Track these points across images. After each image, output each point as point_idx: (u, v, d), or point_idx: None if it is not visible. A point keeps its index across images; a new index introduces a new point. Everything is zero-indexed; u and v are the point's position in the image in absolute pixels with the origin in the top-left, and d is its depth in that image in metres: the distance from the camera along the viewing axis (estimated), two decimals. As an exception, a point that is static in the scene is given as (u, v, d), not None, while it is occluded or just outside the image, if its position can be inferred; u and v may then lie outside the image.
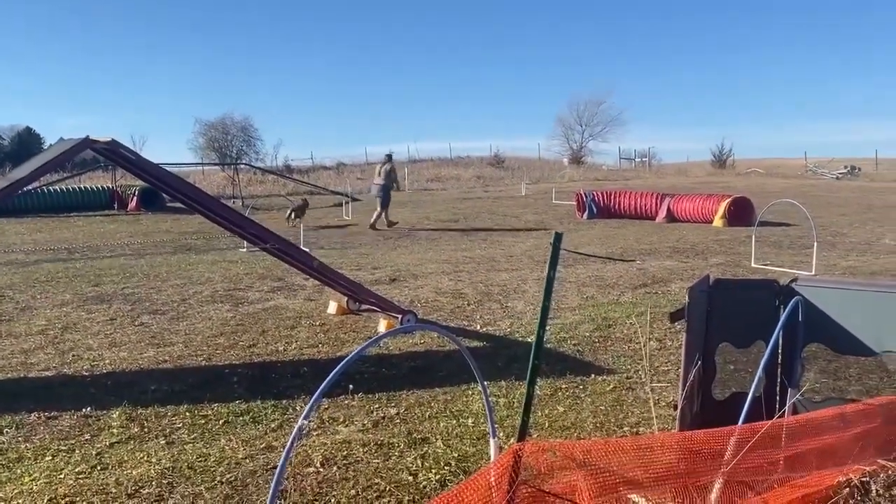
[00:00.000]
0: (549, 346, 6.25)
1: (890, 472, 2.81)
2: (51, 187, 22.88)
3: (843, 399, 4.16)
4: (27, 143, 45.43)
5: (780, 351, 3.73)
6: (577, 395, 5.04)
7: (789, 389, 3.68)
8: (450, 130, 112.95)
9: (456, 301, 8.26)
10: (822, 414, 2.98)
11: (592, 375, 5.44)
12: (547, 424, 4.50)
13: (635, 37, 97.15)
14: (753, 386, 2.94)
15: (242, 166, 34.87)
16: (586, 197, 19.00)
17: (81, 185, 24.82)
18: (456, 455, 4.01)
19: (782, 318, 3.35)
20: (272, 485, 2.23)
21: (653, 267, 10.48)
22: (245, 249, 12.38)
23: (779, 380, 3.77)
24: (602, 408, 4.78)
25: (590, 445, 2.24)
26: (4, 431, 4.40)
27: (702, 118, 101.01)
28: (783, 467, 2.68)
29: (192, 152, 44.37)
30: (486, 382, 5.05)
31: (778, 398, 3.74)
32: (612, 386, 5.21)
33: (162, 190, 6.67)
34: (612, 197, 18.97)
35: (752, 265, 10.43)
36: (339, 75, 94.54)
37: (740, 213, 16.12)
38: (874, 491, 2.78)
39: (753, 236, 11.12)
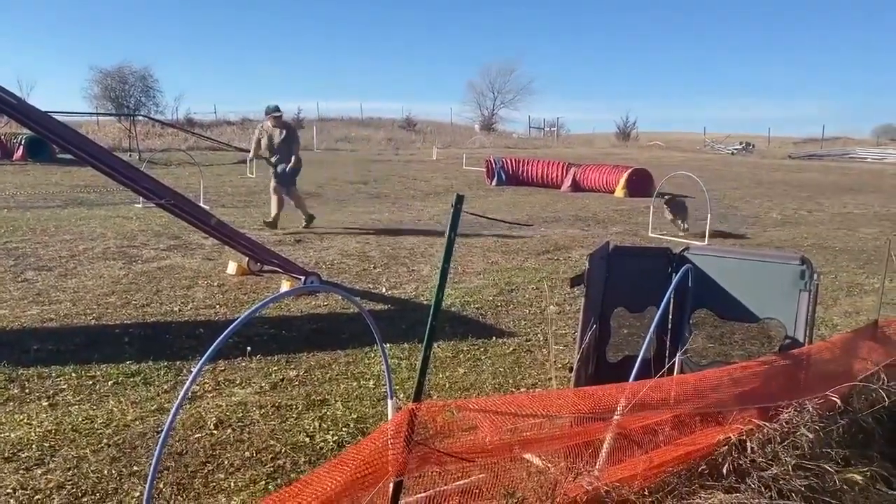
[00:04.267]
0: (452, 309, 6.30)
1: (765, 430, 2.98)
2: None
3: (727, 363, 4.39)
4: None
5: (670, 316, 3.89)
6: (478, 357, 5.11)
7: (678, 352, 3.85)
8: (361, 90, 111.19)
9: (362, 264, 8.19)
10: (706, 374, 3.13)
11: (493, 338, 5.52)
12: (447, 386, 4.54)
13: (548, 7, 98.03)
14: (643, 348, 3.05)
15: (140, 118, 33.18)
16: (496, 164, 19.16)
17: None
18: (355, 416, 3.99)
19: (673, 283, 3.48)
20: (157, 446, 2.15)
21: (556, 234, 10.71)
22: (140, 205, 11.83)
23: (668, 344, 3.93)
24: (501, 369, 4.86)
25: (485, 403, 2.27)
26: None
27: (608, 91, 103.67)
28: (670, 426, 2.81)
29: (86, 101, 41.71)
30: (388, 345, 5.06)
31: (667, 361, 3.91)
32: (511, 348, 5.30)
33: (47, 139, 6.22)
34: (521, 165, 19.21)
35: (650, 234, 10.83)
36: (246, 25, 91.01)
37: (641, 184, 16.67)
38: (750, 448, 2.95)
39: (651, 207, 11.52)
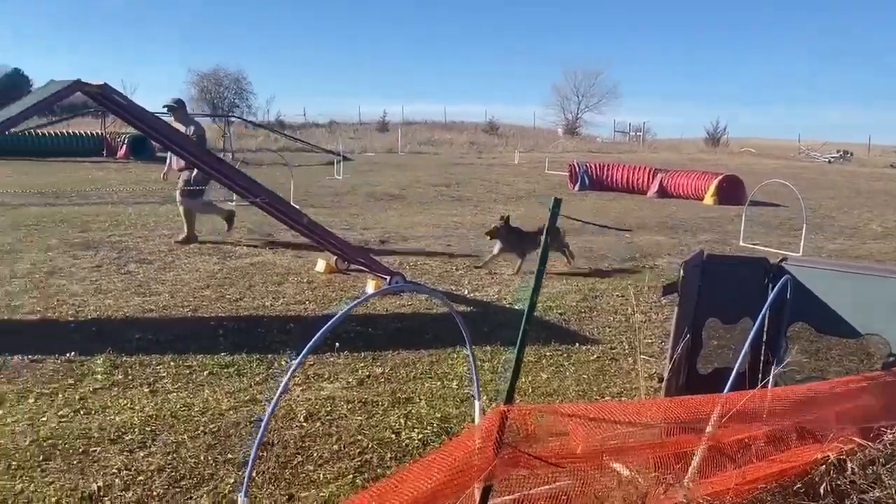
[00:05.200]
0: (535, 313, 6.27)
1: (867, 450, 2.85)
2: (39, 130, 22.54)
3: (824, 379, 4.21)
4: (17, 84, 44.57)
5: (765, 328, 3.76)
6: (561, 363, 5.07)
7: (773, 366, 3.72)
8: (445, 93, 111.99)
9: (444, 265, 8.26)
10: (804, 388, 3.02)
11: (577, 344, 5.47)
12: (530, 390, 4.53)
13: (635, 9, 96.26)
14: (739, 360, 2.96)
15: (234, 119, 34.45)
16: (579, 168, 18.94)
17: (70, 131, 24.46)
18: (439, 416, 4.03)
19: (772, 295, 3.37)
20: (257, 436, 2.24)
21: (641, 241, 10.50)
22: (234, 203, 12.27)
23: (762, 357, 3.81)
24: (585, 376, 4.81)
25: (575, 409, 2.26)
26: (-13, 372, 4.38)
27: (697, 95, 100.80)
28: (764, 441, 2.72)
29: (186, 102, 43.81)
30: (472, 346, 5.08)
31: (761, 375, 3.78)
32: (595, 356, 5.24)
33: (153, 138, 6.55)
34: (605, 169, 18.92)
35: (741, 244, 10.48)
36: (335, 30, 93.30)
37: (731, 191, 16.14)
38: (850, 469, 2.83)
39: (743, 215, 11.15)
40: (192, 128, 8.71)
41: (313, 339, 2.27)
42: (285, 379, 2.27)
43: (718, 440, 2.59)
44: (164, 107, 8.75)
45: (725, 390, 2.83)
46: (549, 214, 2.04)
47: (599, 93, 58.06)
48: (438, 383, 4.56)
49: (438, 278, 7.60)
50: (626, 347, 5.43)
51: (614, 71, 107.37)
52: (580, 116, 57.99)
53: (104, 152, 22.20)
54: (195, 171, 8.34)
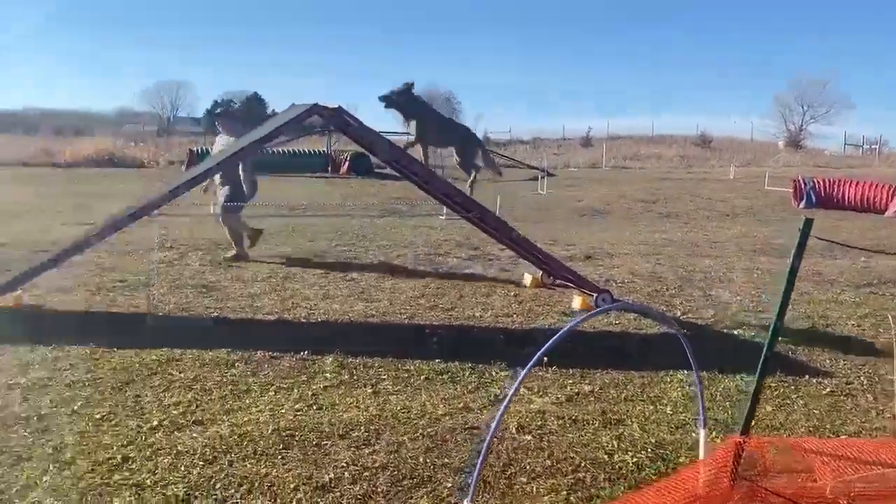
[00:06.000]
0: (755, 339, 5.88)
1: None
2: (272, 149, 24.99)
3: None
4: (255, 107, 50.06)
5: None
6: (788, 395, 4.70)
7: None
8: (652, 106, 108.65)
9: (653, 284, 7.99)
10: None
11: (805, 376, 5.04)
12: (754, 423, 4.22)
13: (869, 8, 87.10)
14: None
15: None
16: (805, 184, 17.46)
17: (298, 148, 26.86)
18: (653, 440, 3.90)
19: None
20: (485, 442, 2.31)
21: (879, 265, 9.44)
22: (444, 217, 12.79)
23: None
24: (816, 412, 4.41)
25: (821, 445, 2.08)
26: (236, 365, 4.93)
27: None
28: None
29: (397, 121, 46.57)
30: (685, 372, 4.87)
31: None
32: (828, 389, 4.79)
33: (376, 155, 7.00)
34: (836, 185, 17.26)
35: None
36: (536, 48, 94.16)
37: None
38: None
39: None
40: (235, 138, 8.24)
41: (537, 355, 2.31)
42: (511, 392, 2.32)
43: None
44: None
45: None
46: (798, 234, 1.91)
47: (828, 102, 53.26)
48: (651, 407, 4.42)
49: (647, 298, 7.37)
50: (865, 383, 4.91)
51: (844, 80, 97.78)
52: (805, 128, 53.54)
53: (328, 168, 24.12)
54: (232, 187, 8.36)
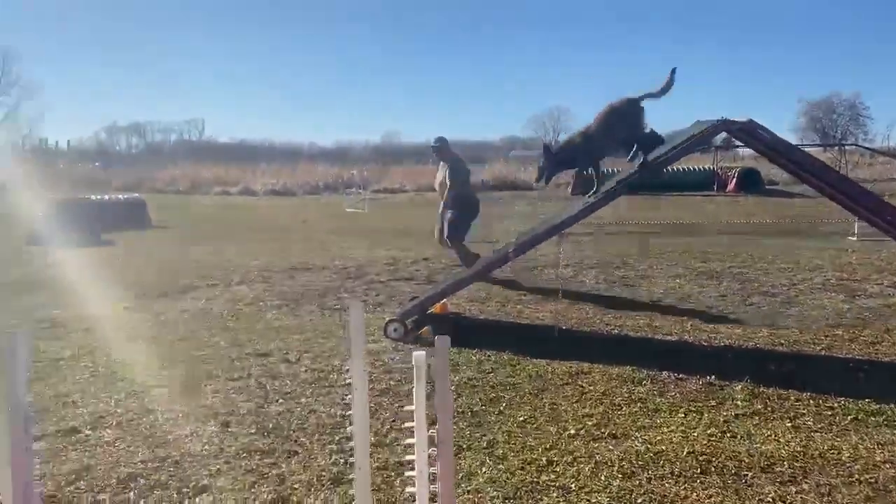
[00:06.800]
0: None
1: None
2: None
3: None
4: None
5: None
6: None
7: None
8: None
9: None
10: None
11: None
12: None
13: None
14: None
15: (849, 146, 31.95)
16: None
17: (682, 166, 26.28)
18: None
19: None
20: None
21: None
22: (855, 238, 11.39)
23: None
24: None
25: None
26: (643, 383, 4.99)
27: None
28: None
29: (790, 132, 42.93)
30: None
31: None
32: None
33: (796, 174, 6.38)
34: None
35: None
36: None
37: None
38: None
39: None
40: (449, 164, 9.01)
41: None
42: None
43: None
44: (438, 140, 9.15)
45: None
46: None
47: None
48: None
49: None
50: None
51: None
52: None
53: (714, 186, 23.17)
54: (458, 209, 8.78)
